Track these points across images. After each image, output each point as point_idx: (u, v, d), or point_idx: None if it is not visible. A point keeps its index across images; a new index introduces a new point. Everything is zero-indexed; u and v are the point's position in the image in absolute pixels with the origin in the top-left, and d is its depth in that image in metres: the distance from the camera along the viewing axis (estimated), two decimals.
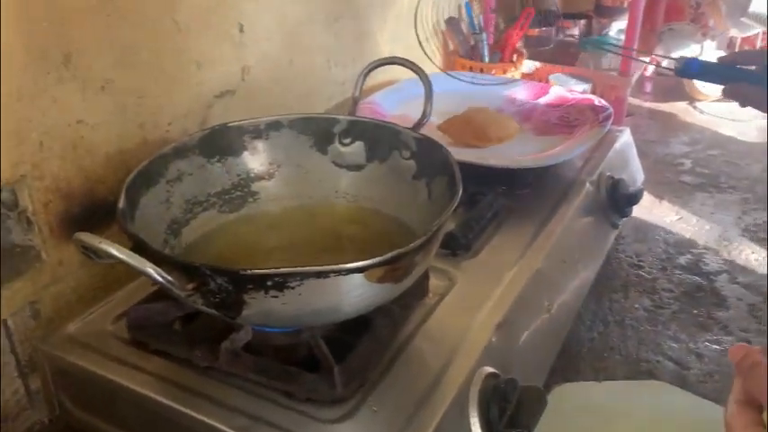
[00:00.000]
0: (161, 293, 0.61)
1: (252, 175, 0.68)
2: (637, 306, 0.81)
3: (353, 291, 0.49)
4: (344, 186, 0.68)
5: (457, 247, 0.70)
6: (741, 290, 0.83)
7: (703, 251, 0.91)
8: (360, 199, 0.68)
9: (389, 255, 0.48)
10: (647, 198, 1.03)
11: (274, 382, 0.52)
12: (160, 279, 0.44)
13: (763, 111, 0.66)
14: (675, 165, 1.15)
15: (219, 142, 0.66)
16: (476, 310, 0.61)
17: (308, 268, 0.46)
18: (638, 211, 0.98)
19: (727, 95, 0.69)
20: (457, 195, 0.55)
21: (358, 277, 0.48)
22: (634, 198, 0.84)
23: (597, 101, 0.93)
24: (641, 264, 0.88)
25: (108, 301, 0.63)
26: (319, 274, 0.47)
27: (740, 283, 0.84)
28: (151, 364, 0.55)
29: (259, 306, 0.48)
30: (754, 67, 0.68)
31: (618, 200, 0.84)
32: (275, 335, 0.57)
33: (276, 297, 0.47)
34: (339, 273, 0.47)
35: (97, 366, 0.56)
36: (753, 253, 0.90)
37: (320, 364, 0.53)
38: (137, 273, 0.44)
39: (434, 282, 0.65)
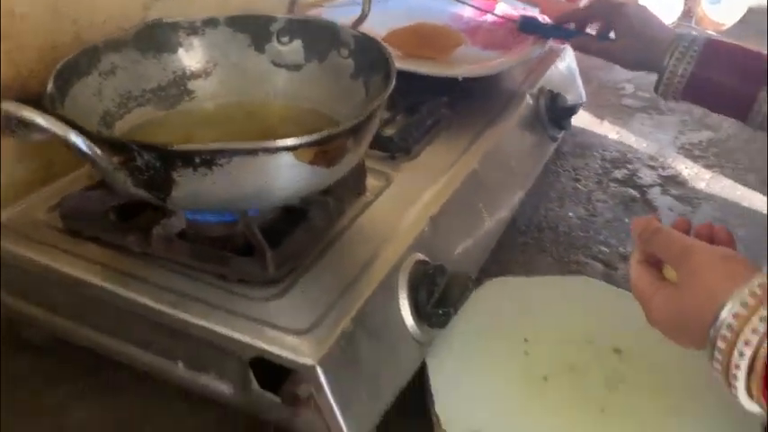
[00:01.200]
0: (96, 186, 0.61)
1: (188, 72, 0.67)
2: (571, 215, 0.83)
3: (284, 171, 0.49)
4: (282, 86, 0.68)
5: (395, 149, 0.71)
6: (673, 201, 0.87)
7: (639, 166, 0.94)
8: (297, 99, 0.68)
9: (318, 135, 0.49)
10: (587, 118, 1.05)
11: (207, 265, 0.53)
12: (84, 148, 0.44)
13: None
14: (617, 89, 1.17)
15: (155, 38, 0.65)
16: (410, 206, 0.63)
17: (237, 144, 0.47)
18: (578, 131, 1.01)
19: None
20: (390, 84, 0.56)
21: (288, 156, 0.48)
22: (571, 111, 0.86)
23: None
24: (578, 177, 0.91)
25: (42, 193, 0.62)
26: (249, 152, 0.47)
27: (672, 195, 0.88)
28: (85, 250, 0.56)
29: (189, 185, 0.48)
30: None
31: (556, 113, 0.86)
32: (211, 226, 0.57)
33: (205, 175, 0.47)
34: (268, 150, 0.48)
35: (31, 252, 0.56)
36: (686, 168, 0.93)
37: (254, 249, 0.53)
38: (72, 155, 0.44)
39: (372, 182, 0.66)
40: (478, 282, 0.67)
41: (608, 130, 1.03)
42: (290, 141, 0.48)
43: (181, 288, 0.52)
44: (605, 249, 0.77)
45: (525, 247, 0.78)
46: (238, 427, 0.54)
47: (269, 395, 0.49)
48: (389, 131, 0.72)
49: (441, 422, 0.52)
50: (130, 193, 0.51)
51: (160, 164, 0.47)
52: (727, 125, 1.04)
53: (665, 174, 0.92)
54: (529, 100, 0.84)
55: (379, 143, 0.71)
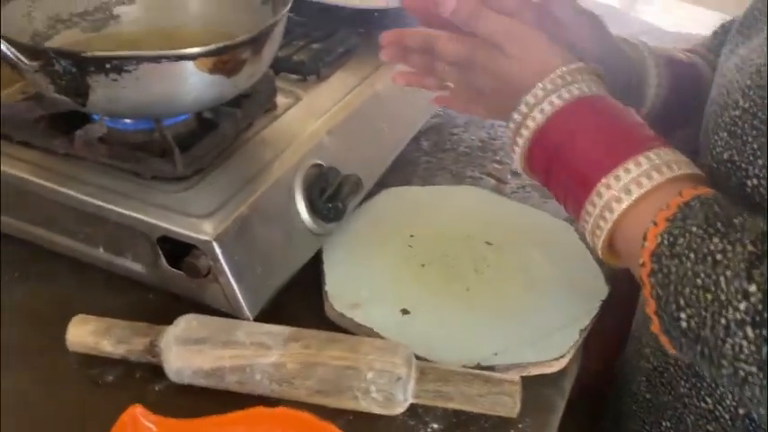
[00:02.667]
0: (32, 98, 0.68)
1: None
2: (473, 138, 0.92)
3: (187, 79, 0.57)
4: (200, 11, 0.75)
5: (307, 72, 0.78)
6: None
7: None
8: (214, 23, 0.75)
9: (215, 45, 0.56)
10: None
11: (124, 164, 0.61)
12: (8, 53, 0.51)
13: None
14: None
15: None
16: (314, 120, 0.71)
17: (141, 52, 0.54)
18: None
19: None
20: (286, 4, 0.63)
21: (189, 65, 0.56)
22: None
23: None
24: None
25: None
26: (152, 59, 0.55)
27: None
28: (20, 153, 0.63)
29: (103, 91, 0.56)
30: None
31: None
32: (131, 133, 0.65)
33: (116, 80, 0.55)
34: (170, 58, 0.55)
35: None
36: None
37: (165, 151, 0.61)
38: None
39: (282, 100, 0.74)
40: (378, 191, 0.76)
41: None
42: (189, 50, 0.55)
43: (100, 182, 0.60)
44: (498, 167, 0.86)
45: (428, 164, 0.86)
46: (158, 306, 0.63)
47: (175, 271, 0.57)
48: (302, 56, 0.80)
49: (328, 296, 0.62)
50: (54, 99, 0.58)
51: (76, 69, 0.54)
52: None
53: None
54: None
55: (292, 66, 0.79)
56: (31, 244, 0.65)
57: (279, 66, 0.78)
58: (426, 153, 0.89)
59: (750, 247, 0.40)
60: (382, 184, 0.78)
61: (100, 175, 0.61)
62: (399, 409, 0.53)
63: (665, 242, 0.44)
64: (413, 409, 0.54)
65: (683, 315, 0.43)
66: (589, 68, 0.53)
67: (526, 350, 0.58)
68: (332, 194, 0.64)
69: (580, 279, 0.65)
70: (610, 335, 0.72)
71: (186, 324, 0.54)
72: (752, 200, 0.47)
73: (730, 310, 0.40)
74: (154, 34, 0.74)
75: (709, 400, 0.54)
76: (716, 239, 0.42)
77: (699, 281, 0.41)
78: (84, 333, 0.55)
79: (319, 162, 0.66)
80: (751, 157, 0.46)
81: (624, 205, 0.47)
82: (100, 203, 0.57)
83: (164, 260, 0.57)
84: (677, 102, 0.66)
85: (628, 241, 0.48)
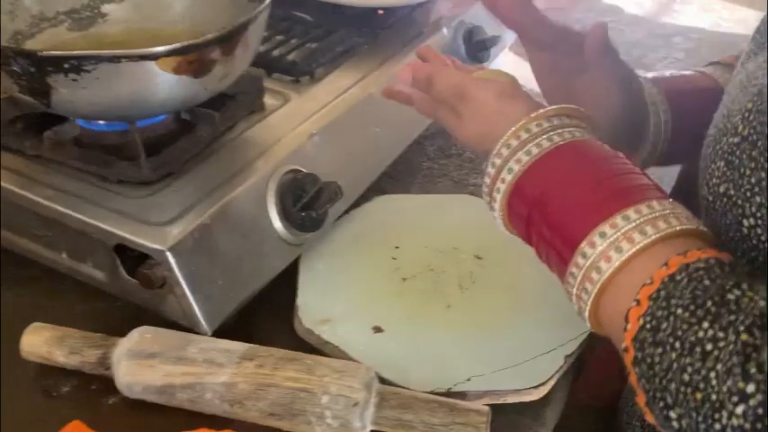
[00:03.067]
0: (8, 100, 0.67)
1: None
2: None
3: (152, 80, 0.54)
4: (188, 11, 0.73)
5: (298, 73, 0.75)
6: None
7: None
8: (202, 23, 0.72)
9: (177, 45, 0.53)
10: (512, 55, 1.07)
11: (91, 167, 0.59)
12: None
13: None
14: None
15: None
16: (299, 123, 0.67)
17: (100, 51, 0.52)
18: (504, 65, 1.04)
19: None
20: (262, 3, 0.60)
21: (151, 65, 0.53)
22: (485, 44, 0.89)
23: None
24: None
25: None
26: (111, 59, 0.52)
27: None
28: None
29: (64, 91, 0.54)
30: None
31: (472, 45, 0.89)
32: (105, 134, 0.63)
33: (76, 81, 0.53)
34: (130, 58, 0.53)
35: None
36: None
37: (133, 153, 0.59)
38: None
39: (270, 101, 0.71)
40: (372, 197, 0.73)
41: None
42: (150, 50, 0.52)
43: (65, 186, 0.58)
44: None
45: (429, 171, 0.82)
46: (125, 316, 0.60)
47: (133, 280, 0.55)
48: (295, 56, 0.77)
49: (298, 310, 0.58)
50: (20, 98, 0.56)
51: (34, 69, 0.52)
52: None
53: None
54: (445, 32, 0.88)
55: (284, 67, 0.76)
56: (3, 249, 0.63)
57: (271, 66, 0.76)
58: (430, 158, 0.84)
59: (744, 336, 0.34)
60: (379, 189, 0.75)
61: (68, 179, 0.59)
62: None
63: (648, 326, 0.37)
64: None
65: (672, 414, 0.36)
66: (565, 110, 0.48)
67: (504, 376, 0.53)
68: (308, 202, 0.60)
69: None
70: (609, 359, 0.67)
71: (140, 337, 0.52)
72: (749, 242, 0.41)
73: (724, 414, 0.33)
74: (140, 34, 0.72)
75: None
76: (705, 324, 0.35)
77: (686, 376, 0.35)
78: (38, 342, 0.54)
79: (297, 168, 0.63)
80: (748, 193, 0.40)
81: (616, 264, 0.40)
82: (58, 208, 0.55)
83: (121, 269, 0.55)
84: (686, 136, 0.58)
85: (611, 315, 0.41)
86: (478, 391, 0.52)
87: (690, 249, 0.39)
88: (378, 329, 0.57)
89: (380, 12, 0.87)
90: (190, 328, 0.54)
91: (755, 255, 0.41)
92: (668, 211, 0.41)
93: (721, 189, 0.42)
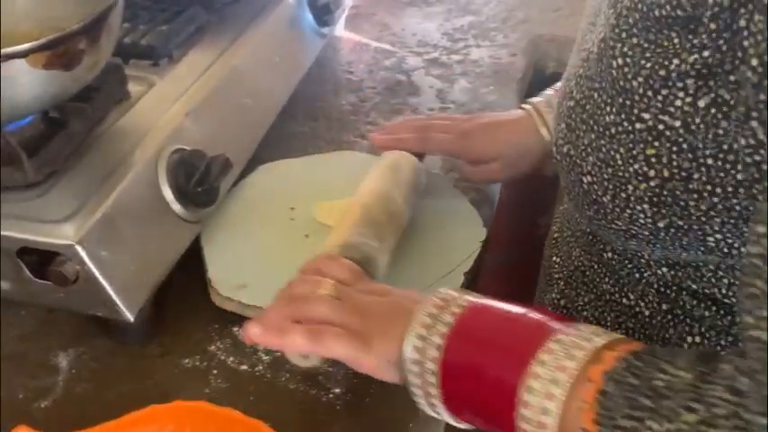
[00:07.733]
0: None
1: None
2: (344, 102, 0.92)
3: (20, 78, 0.53)
4: (30, 10, 0.69)
5: (158, 57, 0.75)
6: (433, 80, 0.97)
7: (406, 54, 1.03)
8: (48, 20, 0.69)
9: (47, 38, 0.53)
10: (359, 16, 1.12)
11: None
12: None
13: None
14: None
15: None
16: (171, 105, 0.68)
17: None
18: (352, 29, 1.09)
19: None
20: None
21: (20, 63, 0.52)
22: (333, 6, 0.93)
23: None
24: (351, 70, 0.99)
25: None
26: None
27: (433, 75, 0.98)
28: None
29: None
30: None
31: (319, 10, 0.93)
32: None
33: None
34: None
35: None
36: (445, 50, 1.04)
37: (12, 158, 0.57)
38: None
39: (135, 87, 0.71)
40: (254, 167, 0.75)
41: (379, 25, 1.11)
42: (19, 47, 0.51)
43: None
44: (371, 127, 0.86)
45: (302, 135, 0.85)
46: (63, 327, 0.60)
47: (42, 282, 0.54)
48: (150, 40, 0.76)
49: (212, 282, 0.60)
50: None
51: None
52: (488, 9, 1.15)
53: (428, 57, 1.02)
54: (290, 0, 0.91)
55: (141, 51, 0.75)
56: None
57: (127, 52, 0.75)
58: (299, 123, 0.88)
59: (688, 417, 0.34)
60: (258, 159, 0.77)
61: None
62: None
63: None
64: (313, 378, 0.54)
65: None
66: (445, 295, 0.47)
67: None
68: (200, 178, 0.62)
69: (460, 226, 0.67)
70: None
71: None
72: (589, 197, 0.45)
73: None
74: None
75: (631, 296, 0.53)
76: (649, 423, 0.35)
77: None
78: None
79: (181, 147, 0.64)
80: (583, 153, 0.45)
81: (562, 399, 0.39)
82: None
83: (27, 273, 0.54)
84: None
85: None
86: None
87: (602, 352, 0.40)
88: None
89: None
90: (110, 317, 0.55)
91: (597, 208, 0.46)
92: (586, 332, 0.41)
93: (564, 149, 0.47)
